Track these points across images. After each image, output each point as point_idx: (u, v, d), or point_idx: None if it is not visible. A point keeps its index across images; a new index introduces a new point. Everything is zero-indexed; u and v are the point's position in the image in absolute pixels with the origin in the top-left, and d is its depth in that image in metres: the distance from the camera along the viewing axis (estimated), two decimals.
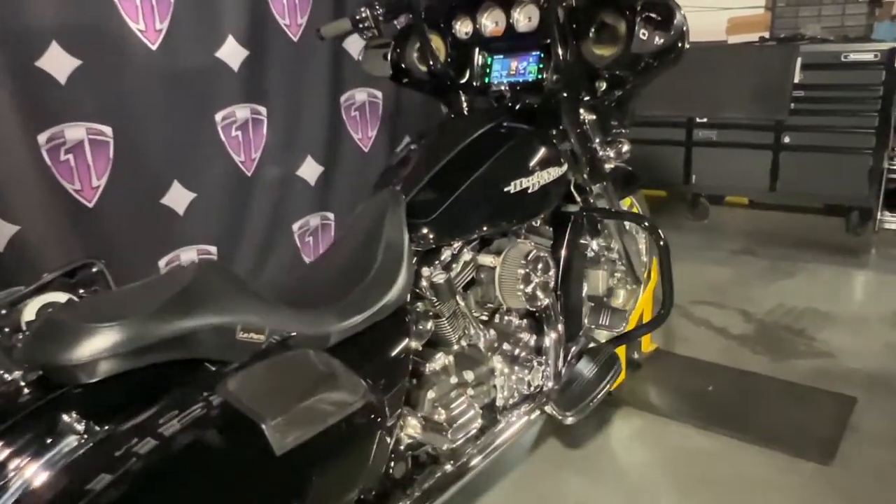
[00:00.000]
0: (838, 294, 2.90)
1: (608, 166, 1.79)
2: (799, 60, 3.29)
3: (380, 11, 1.75)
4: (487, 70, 1.81)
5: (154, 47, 2.27)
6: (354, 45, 2.89)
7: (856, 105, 3.28)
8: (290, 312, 1.15)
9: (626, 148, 1.77)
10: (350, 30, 1.81)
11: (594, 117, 1.71)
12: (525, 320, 1.69)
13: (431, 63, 1.78)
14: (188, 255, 2.50)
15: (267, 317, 1.10)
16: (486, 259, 1.54)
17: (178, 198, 2.43)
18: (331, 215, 2.98)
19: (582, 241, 1.82)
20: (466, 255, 1.53)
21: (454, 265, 1.50)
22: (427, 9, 1.78)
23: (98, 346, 0.91)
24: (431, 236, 1.42)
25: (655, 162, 3.75)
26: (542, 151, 1.56)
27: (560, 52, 1.56)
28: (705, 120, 3.68)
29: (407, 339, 1.32)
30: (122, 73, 2.21)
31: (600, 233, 1.93)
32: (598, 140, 1.75)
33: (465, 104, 1.66)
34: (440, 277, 1.41)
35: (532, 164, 1.53)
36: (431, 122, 3.26)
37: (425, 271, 1.43)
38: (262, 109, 2.64)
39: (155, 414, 0.93)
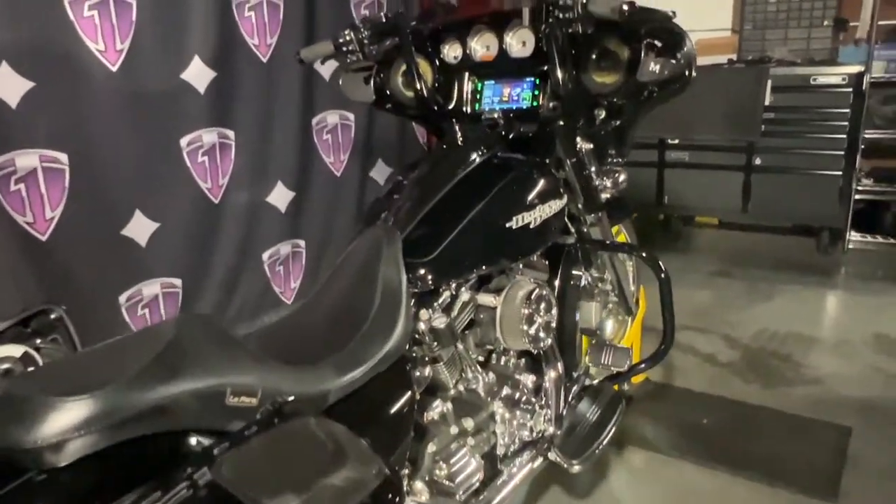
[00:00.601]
0: (817, 316, 2.90)
1: (604, 196, 1.72)
2: (769, 83, 3.31)
3: (364, 35, 1.65)
4: (478, 96, 1.73)
5: (114, 68, 2.12)
6: (327, 66, 2.78)
7: (825, 127, 3.31)
8: (284, 370, 1.03)
9: (622, 177, 1.70)
10: (332, 53, 1.71)
11: (591, 146, 1.64)
12: (523, 360, 1.59)
13: (419, 88, 1.69)
14: (151, 289, 2.35)
15: (260, 377, 0.98)
16: (485, 299, 1.44)
17: (140, 228, 2.27)
18: (302, 243, 2.85)
19: (576, 273, 1.74)
20: (465, 295, 1.43)
21: (453, 306, 1.39)
22: (413, 32, 1.69)
23: (67, 422, 0.78)
24: (430, 277, 1.31)
25: (628, 183, 3.73)
26: (542, 184, 1.47)
27: (560, 78, 1.48)
28: (677, 141, 3.67)
29: (410, 392, 1.21)
30: (79, 96, 2.06)
31: (593, 263, 1.85)
32: (594, 169, 1.67)
33: (458, 133, 1.57)
34: (441, 322, 1.31)
35: (533, 197, 1.44)
36: (406, 145, 3.18)
37: (423, 314, 1.32)
38: (230, 133, 2.51)
39: (135, 501, 0.80)
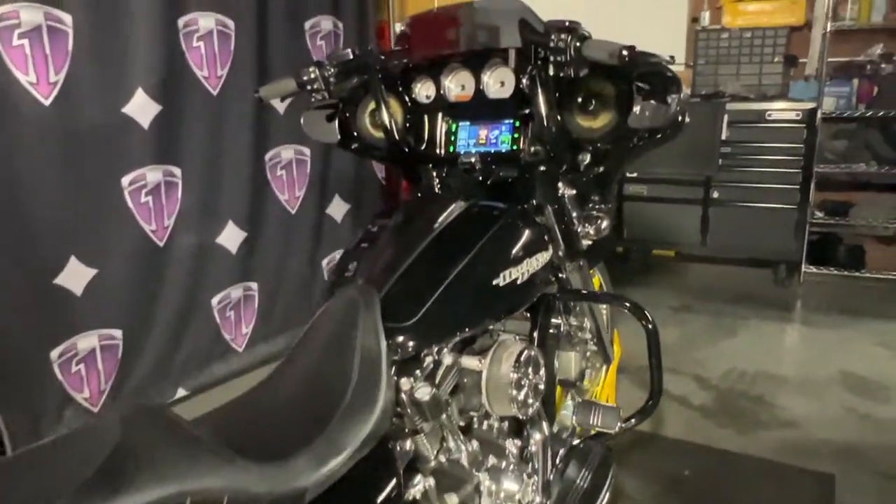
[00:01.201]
0: (782, 353, 2.88)
1: (585, 242, 1.63)
2: (725, 117, 3.33)
3: (331, 72, 1.52)
4: (452, 138, 1.62)
5: (47, 102, 1.94)
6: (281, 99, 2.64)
7: (780, 161, 3.35)
8: (252, 469, 0.87)
9: (605, 224, 1.60)
10: (294, 91, 1.57)
11: (573, 191, 1.55)
12: (506, 422, 1.47)
13: (389, 128, 1.57)
14: (87, 341, 2.13)
15: (225, 479, 0.82)
16: (470, 362, 1.31)
17: (75, 276, 2.06)
18: (254, 286, 2.67)
19: (555, 322, 1.64)
20: (447, 358, 1.30)
21: (436, 373, 1.26)
22: (382, 69, 1.57)
23: None
24: (412, 343, 1.18)
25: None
26: (529, 235, 1.37)
27: (545, 122, 1.39)
28: (635, 174, 3.66)
29: (395, 478, 1.07)
30: (7, 133, 1.86)
31: (571, 310, 1.76)
32: (575, 215, 1.58)
33: (434, 178, 1.46)
34: (425, 393, 1.17)
35: (520, 251, 1.34)
36: (363, 181, 3.05)
37: (405, 384, 1.19)
38: (177, 171, 2.33)
39: None
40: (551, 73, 1.33)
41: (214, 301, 2.51)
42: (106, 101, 2.08)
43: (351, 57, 1.56)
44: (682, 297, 3.56)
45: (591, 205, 1.62)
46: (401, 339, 1.17)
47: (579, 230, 1.59)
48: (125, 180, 2.16)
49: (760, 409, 2.40)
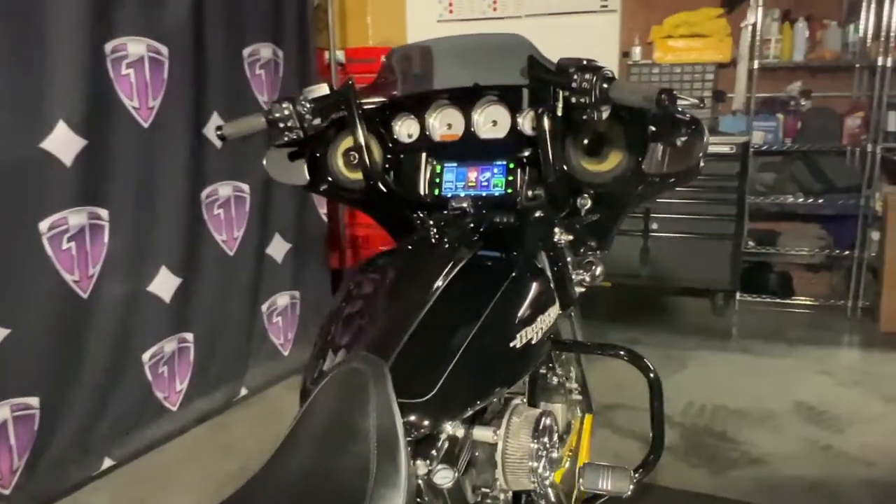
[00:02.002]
0: (734, 385, 2.88)
1: (579, 290, 1.53)
2: None
3: (307, 108, 1.36)
4: (437, 180, 1.49)
5: None
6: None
7: (716, 194, 3.43)
8: None
9: (599, 269, 1.51)
10: (263, 129, 1.40)
11: (570, 237, 1.45)
12: (510, 493, 1.34)
13: (370, 169, 1.42)
14: None
15: None
16: (484, 434, 1.17)
17: None
18: (190, 336, 2.42)
19: (542, 372, 1.54)
20: (458, 431, 1.15)
21: (455, 452, 1.12)
22: (361, 105, 1.43)
23: None
24: (428, 422, 1.02)
25: None
26: (539, 289, 1.25)
27: (552, 166, 1.29)
28: None
29: None
30: None
31: (557, 359, 1.66)
32: (570, 260, 1.48)
33: (429, 227, 1.31)
34: (446, 478, 1.02)
35: (534, 307, 1.22)
36: (306, 219, 2.86)
37: (420, 467, 1.03)
38: (104, 213, 2.07)
39: None
40: (568, 114, 1.23)
41: (146, 357, 2.24)
42: (21, 135, 1.82)
43: (328, 91, 1.41)
44: (627, 328, 3.56)
45: (584, 250, 1.53)
46: (416, 417, 1.01)
47: (574, 277, 1.50)
48: (43, 225, 1.89)
49: (727, 446, 2.38)
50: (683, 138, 1.20)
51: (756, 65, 3.49)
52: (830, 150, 3.59)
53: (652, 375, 1.50)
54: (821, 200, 3.54)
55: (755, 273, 3.81)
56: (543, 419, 1.21)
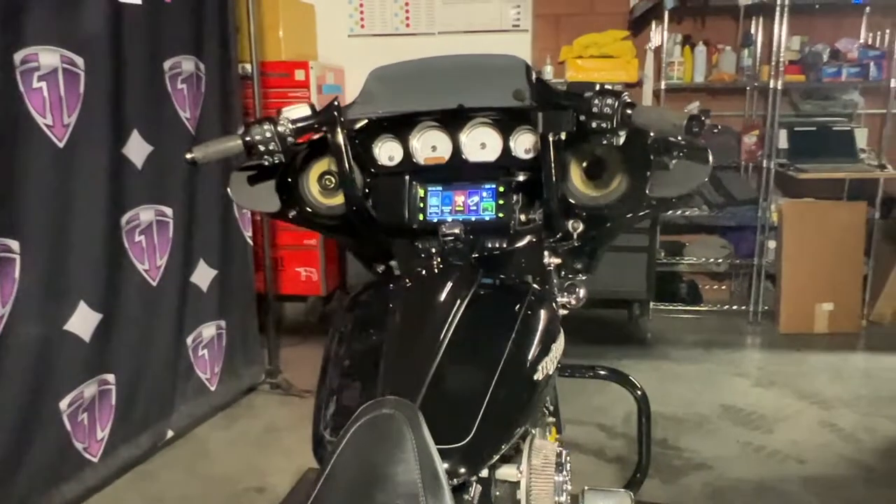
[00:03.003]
0: (664, 392, 2.99)
1: (562, 313, 1.52)
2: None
3: (289, 129, 1.26)
4: (421, 205, 1.42)
5: None
6: (138, 151, 2.22)
7: None
8: None
9: (583, 293, 1.51)
10: (239, 152, 1.27)
11: (558, 260, 1.43)
12: None
13: (351, 195, 1.34)
14: None
15: None
16: (507, 472, 1.12)
17: None
18: (112, 377, 2.18)
19: None
20: (484, 472, 1.10)
21: (490, 494, 1.06)
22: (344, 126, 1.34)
23: None
24: (465, 468, 0.96)
25: None
26: (550, 318, 1.21)
27: (554, 190, 1.26)
28: None
29: None
30: None
31: None
32: (555, 282, 1.47)
33: (436, 259, 1.24)
34: None
35: (549, 337, 1.18)
36: (231, 243, 2.68)
37: None
38: (14, 244, 1.83)
39: None
40: (578, 137, 1.20)
41: (63, 404, 1.99)
42: None
43: (310, 112, 1.31)
44: None
45: (565, 273, 1.52)
46: (454, 463, 0.95)
47: (560, 300, 1.48)
48: None
49: (671, 454, 2.45)
50: (689, 162, 1.22)
51: (663, 85, 3.68)
52: (730, 165, 3.84)
53: (639, 393, 1.51)
54: (723, 213, 3.78)
55: (666, 282, 4.00)
56: (562, 451, 1.18)
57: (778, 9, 3.47)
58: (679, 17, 3.77)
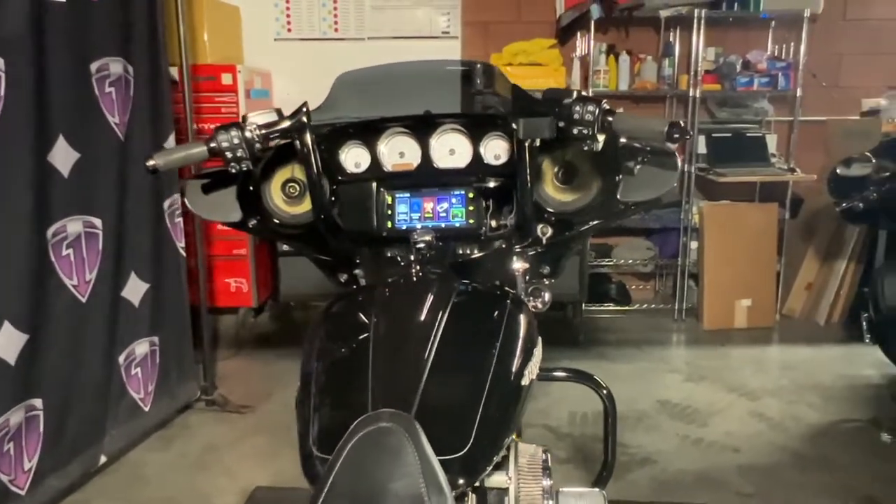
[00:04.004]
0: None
1: None
2: None
3: (257, 135, 1.21)
4: (388, 212, 1.40)
5: None
6: (64, 159, 2.08)
7: None
8: None
9: (548, 297, 1.53)
10: (204, 159, 1.21)
11: (527, 265, 1.44)
12: None
13: (320, 203, 1.31)
14: None
15: None
16: (497, 479, 1.12)
17: None
18: (39, 402, 2.03)
19: None
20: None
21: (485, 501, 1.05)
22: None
23: None
24: (463, 479, 0.95)
25: None
26: (529, 323, 1.21)
27: (528, 196, 1.27)
28: None
29: None
30: None
31: None
32: (522, 287, 1.48)
33: (415, 267, 1.22)
34: None
35: (530, 342, 1.18)
36: (163, 255, 2.55)
37: None
38: None
39: None
40: (555, 144, 1.21)
41: None
42: None
43: (277, 117, 1.26)
44: None
45: (530, 277, 1.53)
46: (454, 473, 0.94)
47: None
48: None
49: (616, 450, 2.52)
50: (659, 167, 1.26)
51: (590, 92, 3.80)
52: None
53: (605, 392, 1.54)
54: (647, 215, 3.94)
55: (596, 284, 4.12)
56: (546, 456, 1.19)
57: (695, 21, 3.65)
58: (604, 27, 3.90)
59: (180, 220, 2.65)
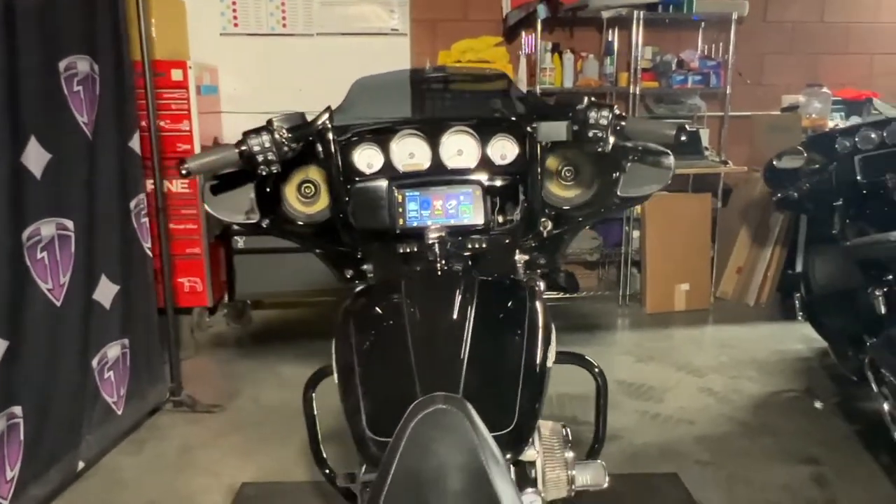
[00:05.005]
0: (566, 375, 3.10)
1: None
2: None
3: (286, 137, 1.26)
4: (399, 210, 1.47)
5: None
6: (37, 160, 2.03)
7: None
8: None
9: (542, 286, 1.64)
10: (235, 161, 1.25)
11: (527, 258, 1.55)
12: None
13: (340, 203, 1.37)
14: None
15: None
16: (528, 453, 1.22)
17: None
18: (19, 410, 1.99)
19: None
20: None
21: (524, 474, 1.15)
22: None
23: None
24: (511, 454, 1.06)
25: None
26: (545, 309, 1.33)
27: (537, 194, 1.37)
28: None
29: None
30: None
31: None
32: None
33: (440, 261, 1.29)
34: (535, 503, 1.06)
35: (549, 326, 1.29)
36: (132, 255, 2.51)
37: None
38: None
39: None
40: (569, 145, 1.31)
41: None
42: None
43: (303, 121, 1.31)
44: None
45: (528, 269, 1.64)
46: (502, 449, 1.04)
47: None
48: None
49: (583, 429, 2.63)
50: (655, 165, 1.39)
51: (537, 89, 3.95)
52: None
53: (597, 370, 1.67)
54: None
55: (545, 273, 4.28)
56: (566, 431, 1.30)
57: (635, 22, 3.86)
58: (549, 26, 4.06)
59: (146, 219, 2.61)
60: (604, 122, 1.23)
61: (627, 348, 3.55)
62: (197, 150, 3.60)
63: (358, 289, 1.41)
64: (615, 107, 1.25)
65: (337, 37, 4.15)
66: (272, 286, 3.80)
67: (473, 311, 1.20)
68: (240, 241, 3.71)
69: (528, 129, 1.30)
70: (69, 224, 2.17)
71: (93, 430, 2.32)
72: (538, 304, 1.31)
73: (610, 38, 4.10)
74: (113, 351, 2.43)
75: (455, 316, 1.19)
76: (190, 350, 3.39)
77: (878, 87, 4.32)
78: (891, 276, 2.47)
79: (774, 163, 2.75)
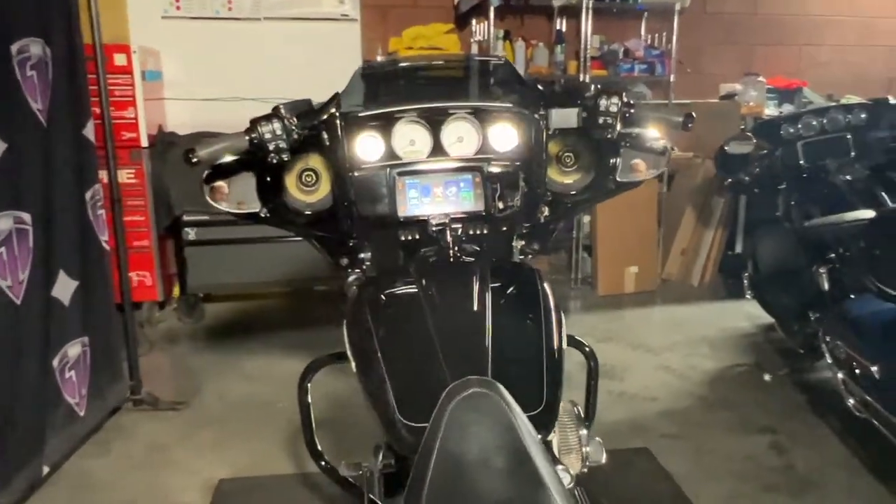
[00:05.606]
0: None
1: None
2: None
3: (295, 125, 1.23)
4: (401, 197, 1.46)
5: None
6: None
7: None
8: None
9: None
10: (245, 149, 1.21)
11: (522, 242, 1.58)
12: None
13: (343, 191, 1.36)
14: None
15: None
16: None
17: None
18: None
19: None
20: None
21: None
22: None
23: None
24: (541, 434, 1.09)
25: None
26: (555, 293, 1.36)
27: (542, 180, 1.39)
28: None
29: None
30: None
31: None
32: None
33: (452, 249, 1.29)
34: (567, 479, 1.09)
35: (560, 310, 1.32)
36: (90, 250, 2.41)
37: None
38: None
39: None
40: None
41: None
42: None
43: (310, 107, 1.29)
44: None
45: (522, 254, 1.67)
46: (536, 428, 1.07)
47: None
48: None
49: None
50: (652, 152, 1.44)
51: None
52: None
53: (588, 350, 1.72)
54: None
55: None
56: (578, 410, 1.35)
57: (584, 10, 3.94)
58: (501, 14, 4.09)
59: (102, 212, 2.50)
60: (614, 109, 1.27)
61: (584, 329, 3.65)
62: (143, 139, 3.46)
63: (369, 276, 1.40)
64: (624, 94, 1.28)
65: (285, 21, 4.05)
66: (225, 278, 3.70)
67: (491, 296, 1.21)
68: (191, 233, 3.60)
69: (537, 116, 1.33)
70: (26, 217, 2.05)
71: (56, 434, 2.21)
72: (548, 288, 1.34)
73: (559, 27, 4.17)
74: (74, 350, 2.31)
75: (475, 301, 1.20)
76: (144, 346, 3.26)
77: (807, 76, 4.57)
78: (833, 255, 2.64)
79: (726, 148, 2.87)
